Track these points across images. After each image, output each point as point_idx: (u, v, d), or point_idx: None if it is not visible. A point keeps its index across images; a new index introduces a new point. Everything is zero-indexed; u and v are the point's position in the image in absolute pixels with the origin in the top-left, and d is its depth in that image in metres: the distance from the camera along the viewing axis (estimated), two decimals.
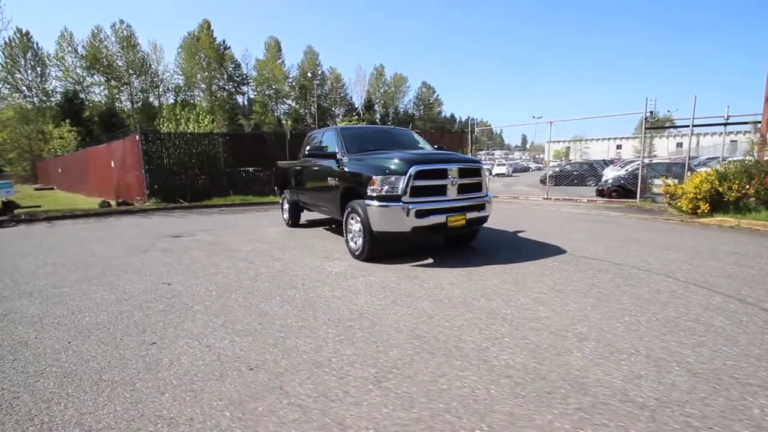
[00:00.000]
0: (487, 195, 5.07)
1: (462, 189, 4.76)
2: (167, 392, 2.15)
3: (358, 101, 77.70)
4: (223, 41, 61.39)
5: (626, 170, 17.68)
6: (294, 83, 68.15)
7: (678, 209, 8.32)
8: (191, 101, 52.73)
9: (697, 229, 6.82)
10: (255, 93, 66.30)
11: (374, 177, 4.52)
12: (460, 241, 5.64)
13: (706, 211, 7.36)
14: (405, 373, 2.28)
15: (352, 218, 5.04)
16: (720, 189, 7.24)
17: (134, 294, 3.90)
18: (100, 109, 49.23)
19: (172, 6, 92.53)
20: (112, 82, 52.16)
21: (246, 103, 66.32)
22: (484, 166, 5.23)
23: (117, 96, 53.50)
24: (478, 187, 4.98)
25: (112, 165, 16.05)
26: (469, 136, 15.86)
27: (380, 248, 4.82)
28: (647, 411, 1.90)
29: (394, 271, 4.47)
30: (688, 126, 10.04)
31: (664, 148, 45.60)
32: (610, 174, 18.00)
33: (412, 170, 4.43)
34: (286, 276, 4.39)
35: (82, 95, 50.06)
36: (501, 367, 2.31)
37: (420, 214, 4.46)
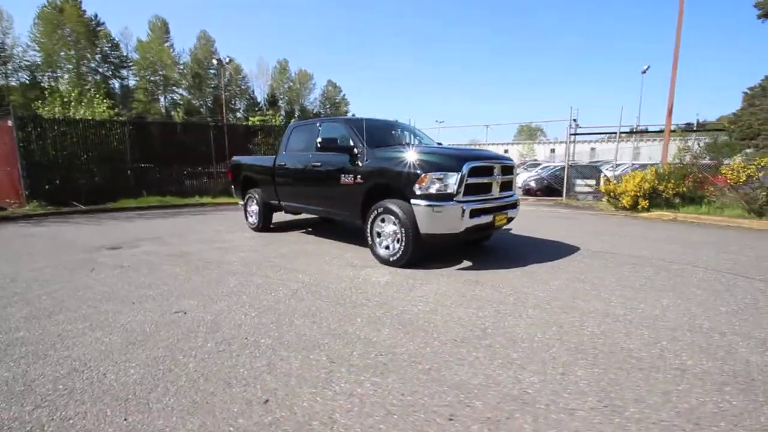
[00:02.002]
0: (515, 194, 5.00)
1: (502, 187, 4.60)
2: None
3: (261, 95, 73.41)
4: (95, 15, 52.13)
5: (537, 172, 19.82)
6: (185, 70, 61.29)
7: (614, 205, 9.48)
8: (52, 83, 43.49)
9: (648, 222, 7.84)
10: (137, 78, 57.80)
11: (424, 174, 4.07)
12: (476, 243, 5.49)
13: (645, 206, 8.52)
14: (647, 400, 1.97)
15: (383, 220, 4.50)
16: (660, 187, 8.46)
17: (147, 332, 2.83)
18: None
19: None
20: None
21: (119, 88, 56.77)
22: None
23: None
24: (511, 185, 4.88)
25: None
26: None
27: (421, 252, 4.39)
28: None
29: (447, 277, 4.08)
30: (612, 133, 11.52)
31: (542, 153, 52.60)
32: (525, 175, 19.93)
33: (466, 167, 4.10)
34: (329, 291, 3.69)
35: None
36: (703, 374, 2.17)
37: (473, 214, 4.16)
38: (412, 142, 5.42)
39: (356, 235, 6.53)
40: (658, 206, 8.58)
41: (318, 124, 5.67)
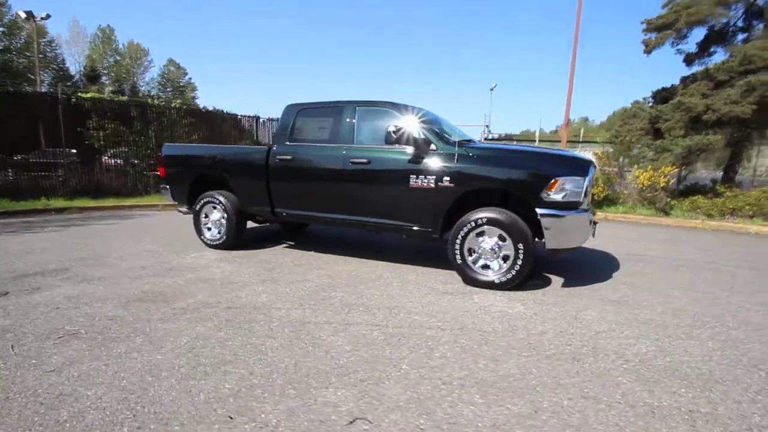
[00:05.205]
0: None
1: None
2: None
3: (75, 67, 58.25)
4: None
5: None
6: None
7: None
8: None
9: None
10: None
11: (556, 178, 3.39)
12: None
13: None
14: None
15: (482, 233, 3.64)
16: (593, 191, 9.62)
17: None
18: None
19: None
20: None
21: None
22: None
23: None
24: None
25: None
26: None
27: None
28: None
29: (577, 298, 3.52)
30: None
31: None
32: None
33: (591, 171, 3.61)
34: (506, 341, 2.71)
35: None
36: None
37: (592, 224, 3.71)
38: (462, 137, 4.62)
39: (370, 246, 5.35)
40: None
41: (350, 109, 4.31)
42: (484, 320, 2.96)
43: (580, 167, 3.57)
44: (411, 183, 3.84)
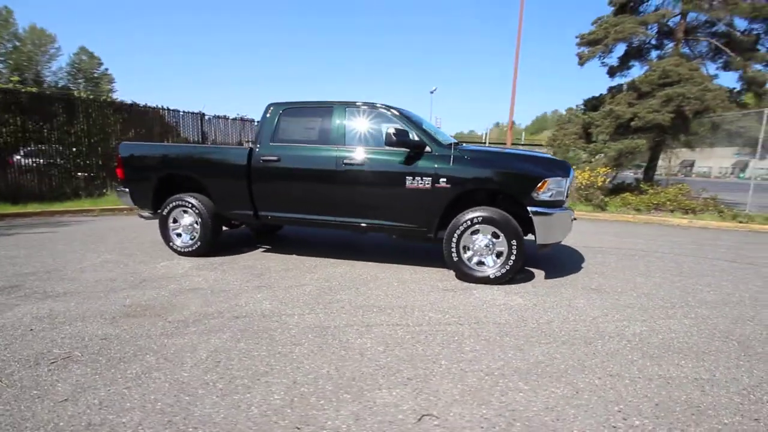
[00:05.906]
0: None
1: None
2: None
3: None
4: None
5: None
6: None
7: None
8: None
9: None
10: None
11: (546, 179, 3.67)
12: None
13: None
14: None
15: (476, 232, 3.83)
16: None
17: None
18: None
19: None
20: None
21: None
22: None
23: None
24: None
25: None
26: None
27: None
28: None
29: (564, 287, 3.84)
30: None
31: None
32: None
33: (572, 171, 3.95)
34: (523, 330, 2.89)
35: None
36: None
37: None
38: (445, 139, 4.80)
39: (350, 247, 5.33)
40: None
41: (340, 109, 4.27)
42: (494, 313, 3.13)
43: (563, 168, 3.91)
44: (407, 184, 3.92)
